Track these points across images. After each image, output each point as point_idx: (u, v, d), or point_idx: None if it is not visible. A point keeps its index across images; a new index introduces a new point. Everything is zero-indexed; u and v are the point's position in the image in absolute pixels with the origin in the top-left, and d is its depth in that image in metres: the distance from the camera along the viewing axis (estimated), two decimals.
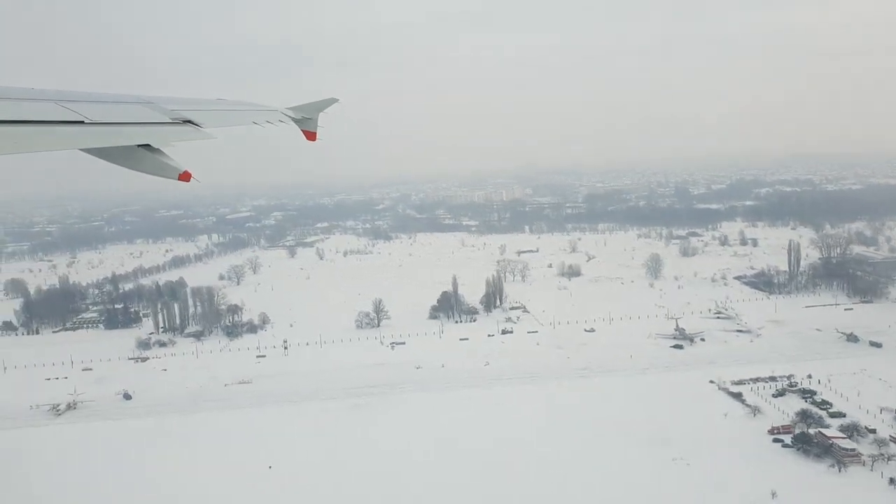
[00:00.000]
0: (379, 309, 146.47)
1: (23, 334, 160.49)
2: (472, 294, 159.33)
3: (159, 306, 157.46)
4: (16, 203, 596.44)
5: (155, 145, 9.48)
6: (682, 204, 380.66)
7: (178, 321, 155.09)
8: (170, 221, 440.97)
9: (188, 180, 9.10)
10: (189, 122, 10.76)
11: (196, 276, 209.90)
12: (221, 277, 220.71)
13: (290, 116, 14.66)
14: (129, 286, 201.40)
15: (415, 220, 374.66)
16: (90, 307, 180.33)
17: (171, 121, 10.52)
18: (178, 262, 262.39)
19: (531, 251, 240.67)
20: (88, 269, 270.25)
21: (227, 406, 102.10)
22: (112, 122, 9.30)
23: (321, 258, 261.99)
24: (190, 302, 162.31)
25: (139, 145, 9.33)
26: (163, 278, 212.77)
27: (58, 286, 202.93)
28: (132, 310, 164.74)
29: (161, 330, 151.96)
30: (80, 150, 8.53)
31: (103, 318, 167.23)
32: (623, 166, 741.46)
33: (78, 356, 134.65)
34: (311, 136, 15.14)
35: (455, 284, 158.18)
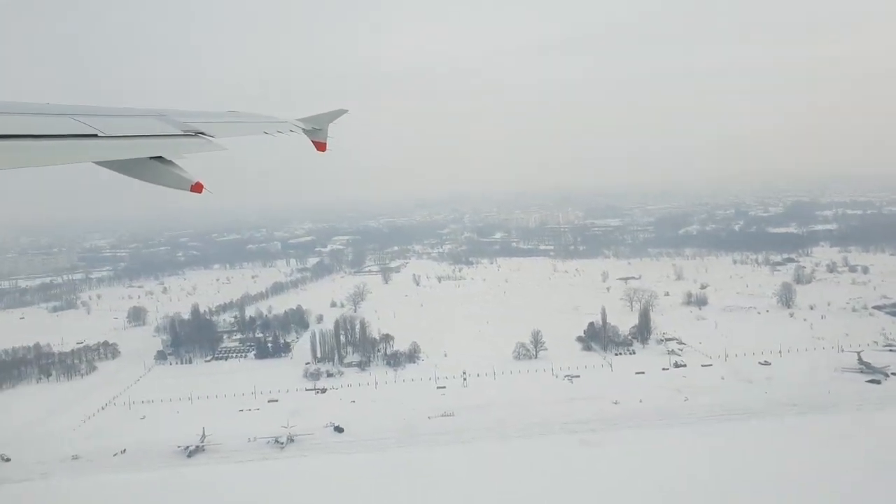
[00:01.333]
0: (537, 340, 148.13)
1: (177, 363, 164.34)
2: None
3: (315, 335, 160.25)
4: (63, 226, 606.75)
5: (167, 157, 9.62)
6: (753, 227, 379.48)
7: (326, 350, 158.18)
8: (235, 246, 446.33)
9: (200, 191, 9.19)
10: (200, 133, 10.99)
11: (307, 303, 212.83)
12: (333, 304, 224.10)
13: (300, 127, 14.86)
14: (248, 313, 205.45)
15: (485, 245, 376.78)
16: (227, 336, 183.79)
17: (182, 133, 10.72)
18: (277, 288, 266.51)
19: (633, 278, 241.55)
20: (185, 295, 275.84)
21: (452, 440, 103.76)
22: (125, 134, 9.43)
23: (417, 284, 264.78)
24: (333, 330, 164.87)
25: (152, 157, 9.47)
26: (270, 305, 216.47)
27: (183, 314, 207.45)
28: (281, 340, 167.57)
29: (316, 360, 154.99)
30: (95, 162, 8.70)
31: (250, 348, 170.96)
32: (658, 187, 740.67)
33: (248, 387, 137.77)
34: (321, 146, 15.34)
35: (604, 314, 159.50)
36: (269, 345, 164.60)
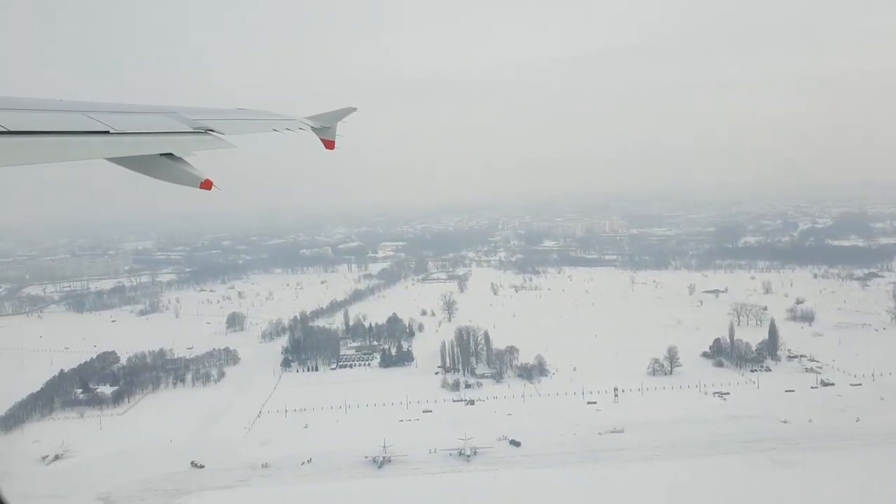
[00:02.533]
0: (673, 356, 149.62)
1: (303, 371, 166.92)
2: (706, 340, 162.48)
3: (444, 346, 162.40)
4: (97, 228, 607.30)
5: (177, 154, 9.65)
6: (811, 239, 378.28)
7: (452, 360, 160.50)
8: (285, 250, 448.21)
9: (210, 188, 9.23)
10: (210, 131, 11.01)
11: (394, 311, 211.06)
12: (423, 313, 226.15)
13: (309, 125, 15.02)
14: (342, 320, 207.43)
15: (539, 253, 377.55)
16: (342, 343, 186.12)
17: (192, 130, 10.73)
18: (358, 295, 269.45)
19: (720, 291, 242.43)
20: (264, 300, 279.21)
21: (635, 456, 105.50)
22: (136, 131, 9.51)
23: (495, 293, 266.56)
24: (456, 341, 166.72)
25: (162, 154, 9.50)
26: (361, 313, 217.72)
27: (277, 320, 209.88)
28: (405, 348, 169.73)
29: (444, 370, 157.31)
30: (106, 159, 8.77)
31: (365, 356, 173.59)
32: (678, 193, 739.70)
33: (390, 396, 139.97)
34: (329, 144, 15.46)
35: (732, 330, 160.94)
36: (394, 354, 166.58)
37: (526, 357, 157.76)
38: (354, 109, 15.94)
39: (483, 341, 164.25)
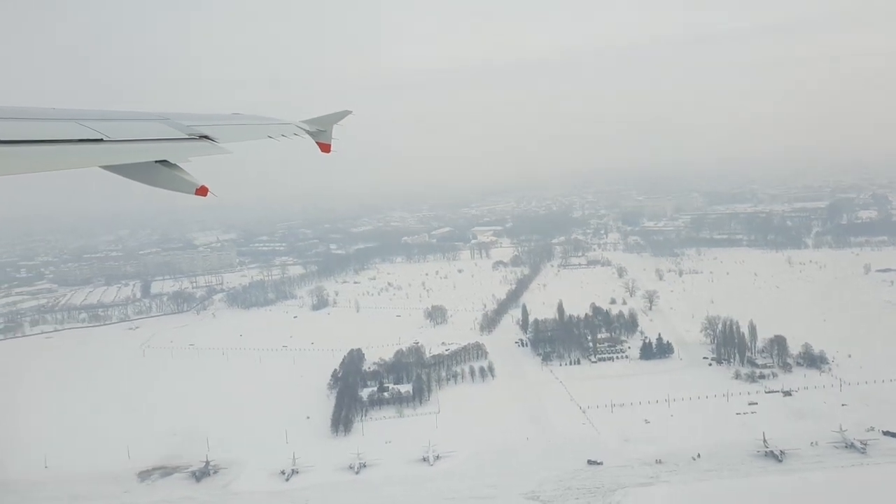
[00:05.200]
0: None
1: (565, 364, 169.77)
2: None
3: (716, 335, 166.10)
4: (151, 220, 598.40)
5: (172, 161, 9.63)
6: None
7: (722, 351, 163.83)
8: (377, 237, 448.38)
9: (205, 195, 9.27)
10: (205, 137, 10.99)
11: (569, 300, 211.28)
12: (613, 301, 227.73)
13: (304, 130, 15.02)
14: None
15: (655, 234, 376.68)
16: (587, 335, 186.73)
17: (187, 136, 10.72)
18: (522, 284, 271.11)
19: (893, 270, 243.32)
20: (425, 291, 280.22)
21: None
22: (130, 139, 9.46)
23: (661, 278, 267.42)
24: (721, 330, 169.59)
25: (157, 161, 9.47)
26: (544, 301, 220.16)
27: (486, 312, 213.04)
28: (664, 340, 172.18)
29: (716, 361, 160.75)
30: (101, 167, 8.69)
31: (610, 348, 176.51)
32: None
33: (687, 389, 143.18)
34: (325, 148, 15.51)
35: None
36: (654, 347, 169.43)
37: (792, 346, 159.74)
38: (349, 112, 16.13)
39: (748, 332, 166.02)
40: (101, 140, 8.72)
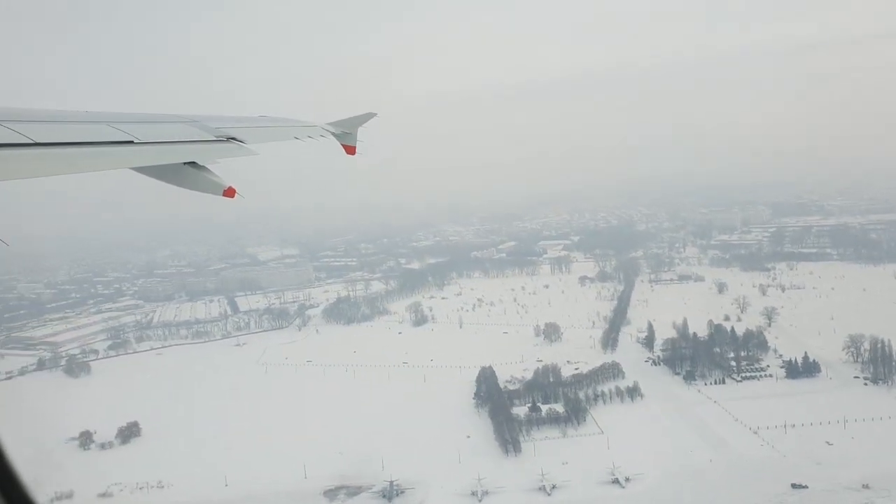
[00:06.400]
0: None
1: (710, 384, 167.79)
2: None
3: (858, 352, 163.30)
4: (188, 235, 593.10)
5: (200, 162, 9.60)
6: None
7: (874, 371, 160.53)
8: (442, 252, 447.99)
9: (233, 196, 9.24)
10: (232, 139, 10.94)
11: (680, 318, 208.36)
12: (727, 318, 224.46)
13: (330, 132, 14.96)
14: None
15: (732, 248, 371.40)
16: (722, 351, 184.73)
17: (215, 138, 10.68)
18: (623, 301, 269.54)
19: None
20: (539, 305, 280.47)
21: None
22: (159, 140, 9.46)
23: (763, 293, 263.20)
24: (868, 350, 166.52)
25: (185, 163, 9.45)
26: (651, 319, 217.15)
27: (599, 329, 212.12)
28: (810, 359, 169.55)
29: (871, 380, 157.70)
30: (131, 168, 8.72)
31: (751, 366, 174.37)
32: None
33: (856, 410, 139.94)
34: (350, 150, 15.45)
35: None
36: (800, 366, 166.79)
37: None
38: (374, 115, 16.03)
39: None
40: (131, 142, 8.96)
